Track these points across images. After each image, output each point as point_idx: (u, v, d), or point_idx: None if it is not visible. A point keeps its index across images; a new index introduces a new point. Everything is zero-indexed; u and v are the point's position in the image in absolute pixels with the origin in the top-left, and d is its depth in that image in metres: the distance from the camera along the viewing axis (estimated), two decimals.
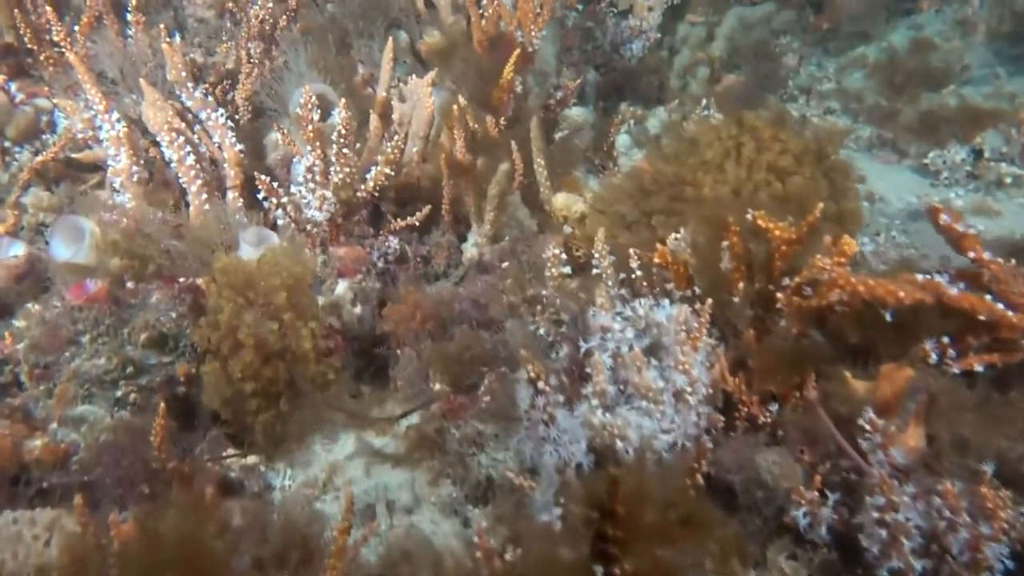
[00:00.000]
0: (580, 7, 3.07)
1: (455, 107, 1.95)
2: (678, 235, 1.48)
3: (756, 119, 1.63)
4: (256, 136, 2.37)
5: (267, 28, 2.47)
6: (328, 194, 1.83)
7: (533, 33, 2.57)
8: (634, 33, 3.09)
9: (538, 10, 2.58)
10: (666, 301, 1.33)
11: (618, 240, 1.79)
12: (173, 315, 1.48)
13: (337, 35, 2.59)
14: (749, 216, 1.25)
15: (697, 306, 1.31)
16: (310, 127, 1.83)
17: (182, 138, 1.94)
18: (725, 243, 1.27)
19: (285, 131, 1.94)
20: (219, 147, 2.07)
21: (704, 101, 2.47)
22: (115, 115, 1.89)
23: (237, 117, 2.41)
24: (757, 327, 1.24)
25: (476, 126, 2.07)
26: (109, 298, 1.44)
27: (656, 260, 1.37)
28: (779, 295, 1.20)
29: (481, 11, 2.80)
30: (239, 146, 2.06)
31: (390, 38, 2.17)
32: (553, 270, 1.53)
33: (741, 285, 1.28)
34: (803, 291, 1.20)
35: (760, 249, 1.27)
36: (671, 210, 1.75)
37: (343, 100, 1.84)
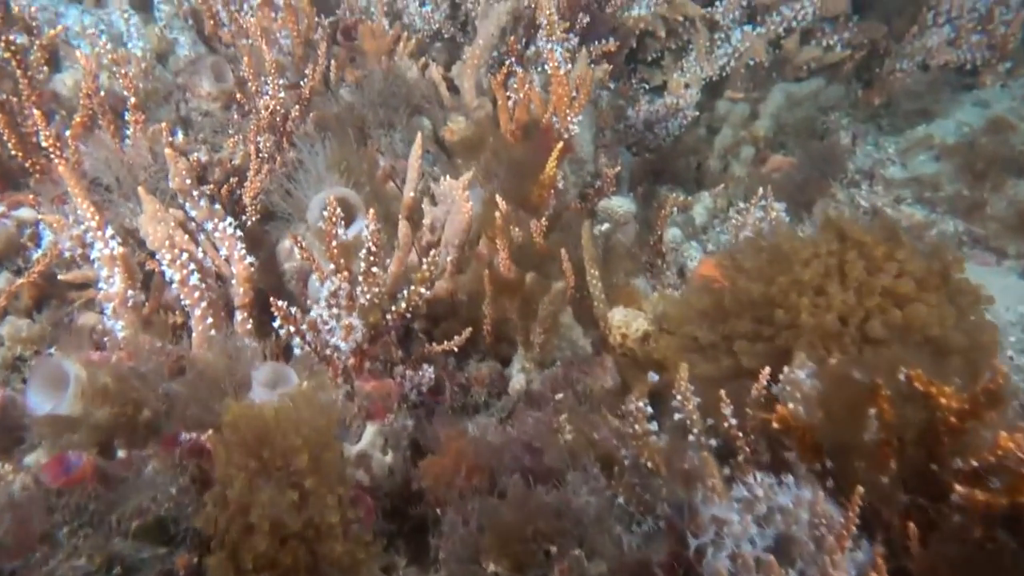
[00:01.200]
0: (612, 85, 2.91)
1: (497, 214, 1.73)
2: (792, 373, 1.24)
3: (862, 232, 1.41)
4: (265, 240, 2.16)
5: (278, 119, 2.29)
6: (355, 322, 1.60)
7: (569, 119, 2.39)
8: (670, 111, 2.92)
9: (574, 93, 2.41)
10: (789, 477, 1.08)
11: (694, 370, 1.55)
12: (172, 491, 1.23)
13: (354, 125, 2.41)
14: (902, 376, 1.01)
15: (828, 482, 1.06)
16: (335, 244, 1.61)
17: (185, 255, 1.72)
18: (871, 410, 1.03)
19: (302, 243, 1.72)
20: (227, 260, 1.85)
21: (760, 190, 2.27)
22: (109, 231, 1.68)
23: (244, 217, 2.21)
24: (918, 520, 0.99)
25: (519, 232, 1.86)
26: (95, 475, 1.19)
27: (774, 424, 1.12)
28: (956, 486, 0.95)
29: (510, 94, 2.64)
30: (249, 259, 1.84)
31: (418, 133, 1.97)
32: (636, 427, 1.28)
33: (892, 463, 1.03)
34: (983, 478, 0.96)
35: (915, 414, 1.03)
36: (757, 335, 1.52)
37: (371, 211, 1.62)
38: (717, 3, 2.89)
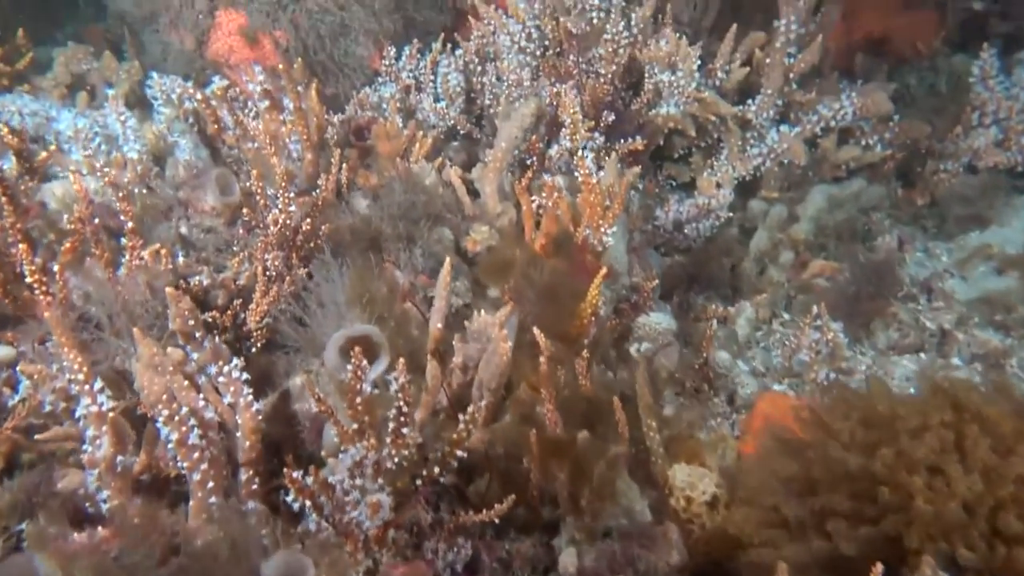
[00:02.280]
0: (640, 185, 2.78)
1: (542, 359, 1.55)
2: None
3: (982, 402, 1.23)
4: (272, 371, 1.97)
5: (288, 234, 2.12)
6: (384, 499, 1.39)
7: (603, 230, 2.25)
8: (701, 212, 2.78)
9: (607, 202, 2.27)
10: None
11: (780, 553, 1.34)
12: None
13: (370, 238, 2.26)
14: None
15: None
16: (359, 400, 1.42)
17: (185, 409, 1.52)
18: None
19: (319, 394, 1.53)
20: (231, 407, 1.65)
21: (815, 308, 2.10)
22: (98, 383, 1.48)
23: (249, 343, 2.02)
24: None
25: (561, 372, 1.67)
26: None
27: None
28: None
29: (534, 197, 2.49)
30: (257, 405, 1.64)
31: (447, 260, 1.81)
32: None
33: None
34: None
35: None
36: (857, 515, 1.32)
37: (400, 361, 1.44)
38: (750, 101, 2.79)
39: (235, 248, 2.10)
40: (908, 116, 2.77)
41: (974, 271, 2.30)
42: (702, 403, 2.07)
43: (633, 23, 2.76)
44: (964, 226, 2.50)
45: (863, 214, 2.72)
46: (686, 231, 2.83)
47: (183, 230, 2.09)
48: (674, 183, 3.09)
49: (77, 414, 1.48)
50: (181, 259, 1.97)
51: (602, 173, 2.44)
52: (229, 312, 2.03)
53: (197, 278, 1.97)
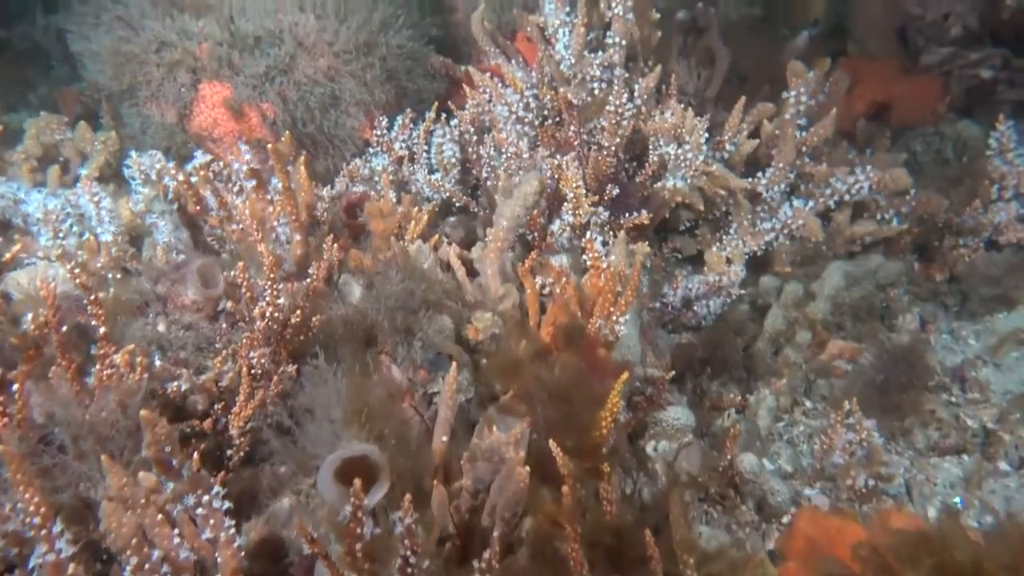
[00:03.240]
0: (647, 262, 2.66)
1: (565, 488, 1.39)
2: None
3: None
4: (253, 486, 1.79)
5: (275, 327, 1.96)
6: None
7: (616, 318, 2.11)
8: (712, 289, 2.66)
9: (619, 288, 2.14)
10: None
11: None
12: None
13: (365, 329, 2.10)
14: None
15: None
16: (358, 547, 1.25)
17: (157, 554, 1.34)
18: None
19: (310, 533, 1.35)
20: (210, 543, 1.47)
21: (847, 405, 1.97)
22: (57, 527, 1.30)
23: (231, 453, 1.85)
24: None
25: (583, 499, 1.51)
26: None
27: None
28: None
29: (540, 280, 2.36)
30: (239, 540, 1.46)
31: (452, 366, 1.65)
32: None
33: None
34: None
35: None
36: None
37: (406, 497, 1.27)
38: (760, 174, 2.70)
39: (217, 346, 1.94)
40: (919, 185, 2.69)
41: (1008, 358, 2.18)
42: (729, 511, 1.91)
43: (636, 94, 2.68)
44: (990, 307, 2.39)
45: (880, 291, 2.61)
46: (695, 308, 2.71)
47: (160, 328, 1.92)
48: (680, 256, 2.98)
49: (31, 564, 1.29)
50: (158, 362, 1.79)
51: (611, 256, 2.32)
52: (210, 419, 1.86)
53: (175, 384, 1.79)
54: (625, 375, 1.69)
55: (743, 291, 2.69)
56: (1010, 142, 2.55)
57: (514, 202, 2.53)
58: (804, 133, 2.63)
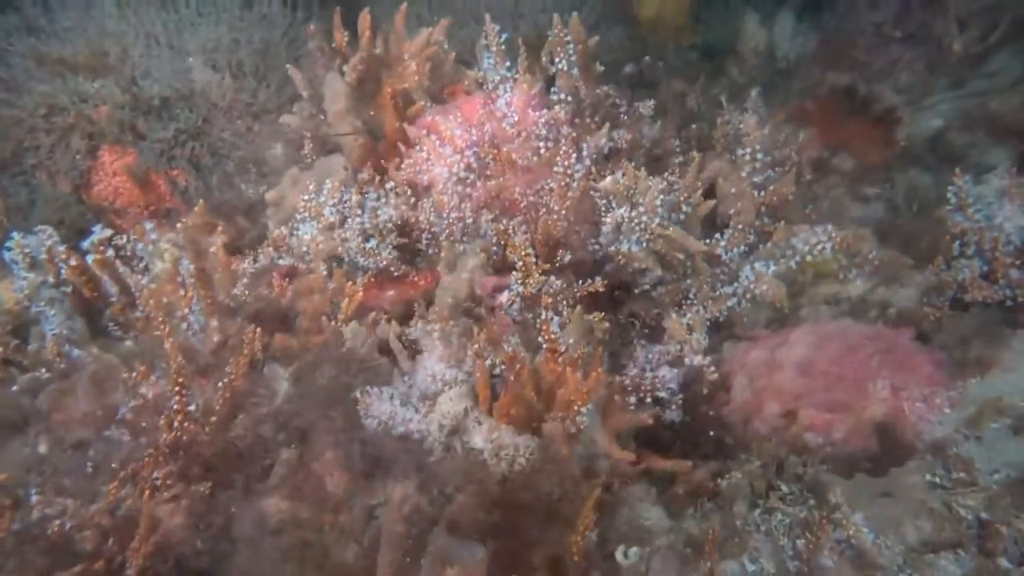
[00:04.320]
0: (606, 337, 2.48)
1: None
2: None
3: None
4: None
5: (185, 437, 1.69)
6: None
7: (578, 408, 1.92)
8: (674, 360, 2.49)
9: (580, 380, 1.94)
10: None
11: None
12: None
13: (295, 429, 1.84)
14: None
15: None
16: None
17: None
18: None
19: None
20: None
21: (832, 498, 1.81)
22: None
23: None
24: None
25: None
26: None
27: None
28: None
29: (492, 365, 2.14)
30: None
31: (397, 490, 1.42)
32: None
33: None
34: None
35: None
36: None
37: None
38: (718, 236, 2.57)
39: (114, 466, 1.64)
40: (884, 244, 2.62)
41: (987, 430, 2.08)
42: None
43: (585, 153, 2.52)
44: (963, 371, 2.29)
45: None
46: (655, 383, 2.53)
47: (42, 448, 1.62)
48: (636, 322, 2.82)
49: None
50: (35, 498, 1.50)
51: (568, 337, 2.13)
52: (102, 560, 1.56)
53: (57, 522, 1.50)
54: (597, 492, 1.49)
55: (706, 359, 2.53)
56: (968, 197, 2.49)
57: (458, 275, 2.33)
58: (762, 193, 2.53)
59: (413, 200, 2.66)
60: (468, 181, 2.57)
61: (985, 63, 4.77)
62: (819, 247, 2.46)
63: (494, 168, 2.61)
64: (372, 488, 1.82)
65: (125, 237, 2.32)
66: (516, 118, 2.45)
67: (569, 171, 2.44)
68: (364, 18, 2.64)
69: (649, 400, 2.00)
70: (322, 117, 2.63)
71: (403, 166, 2.70)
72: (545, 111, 2.48)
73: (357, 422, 1.94)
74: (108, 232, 2.25)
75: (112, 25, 2.39)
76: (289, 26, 2.68)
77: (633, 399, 1.99)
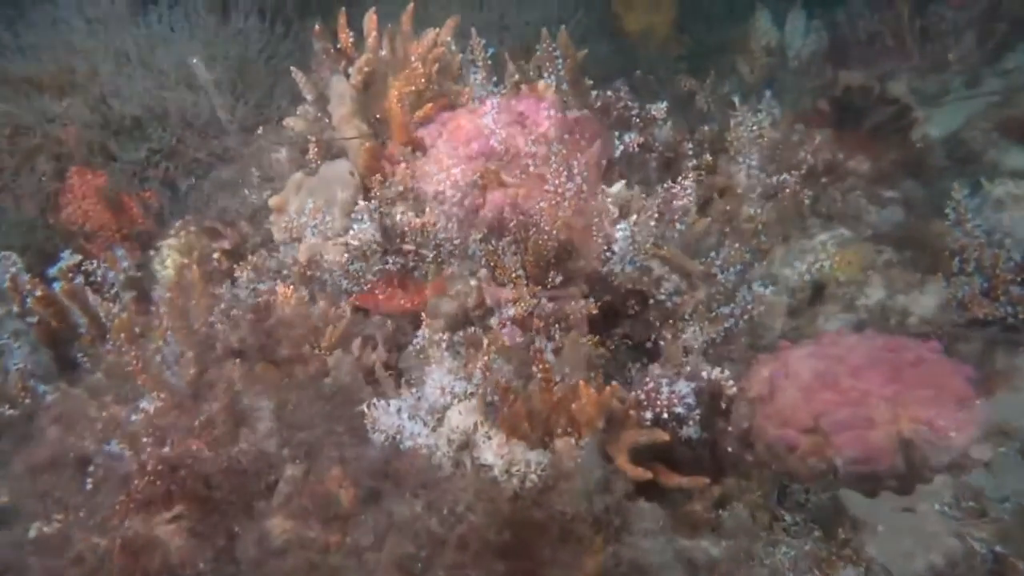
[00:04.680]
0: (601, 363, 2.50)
1: None
2: None
3: None
4: None
5: (159, 482, 1.71)
6: None
7: (575, 442, 1.95)
8: (690, 373, 2.50)
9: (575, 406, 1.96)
10: None
11: None
12: None
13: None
14: None
15: None
16: None
17: None
18: None
19: None
20: None
21: (841, 533, 1.83)
22: None
23: None
24: None
25: None
26: None
27: None
28: None
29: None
30: None
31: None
32: None
33: None
34: None
35: None
36: None
37: None
38: (713, 254, 2.60)
39: (81, 514, 1.66)
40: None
41: (995, 455, 2.10)
42: None
43: (576, 171, 2.55)
44: (987, 386, 2.32)
45: None
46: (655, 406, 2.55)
47: (3, 498, 1.64)
48: (630, 343, 2.84)
49: None
50: None
51: (563, 367, 2.14)
52: None
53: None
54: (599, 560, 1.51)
55: (724, 372, 2.54)
56: (967, 212, 2.52)
57: (449, 300, 2.36)
58: (760, 211, 2.56)
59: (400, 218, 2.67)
60: (455, 200, 2.58)
61: (1000, 61, 4.82)
62: (817, 266, 2.49)
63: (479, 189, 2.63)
64: (380, 507, 1.84)
65: (95, 263, 2.33)
66: (504, 135, 2.47)
67: (560, 189, 2.46)
68: (370, 18, 2.64)
69: (666, 415, 2.01)
70: (327, 120, 2.66)
71: (388, 184, 2.72)
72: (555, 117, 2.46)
73: (364, 436, 1.97)
74: (77, 258, 2.26)
75: (80, 42, 2.41)
76: (267, 42, 2.70)
77: (649, 414, 1.99)
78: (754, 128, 2.97)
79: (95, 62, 2.33)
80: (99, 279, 2.33)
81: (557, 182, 2.43)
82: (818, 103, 4.71)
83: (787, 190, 2.61)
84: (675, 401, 1.86)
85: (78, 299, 2.03)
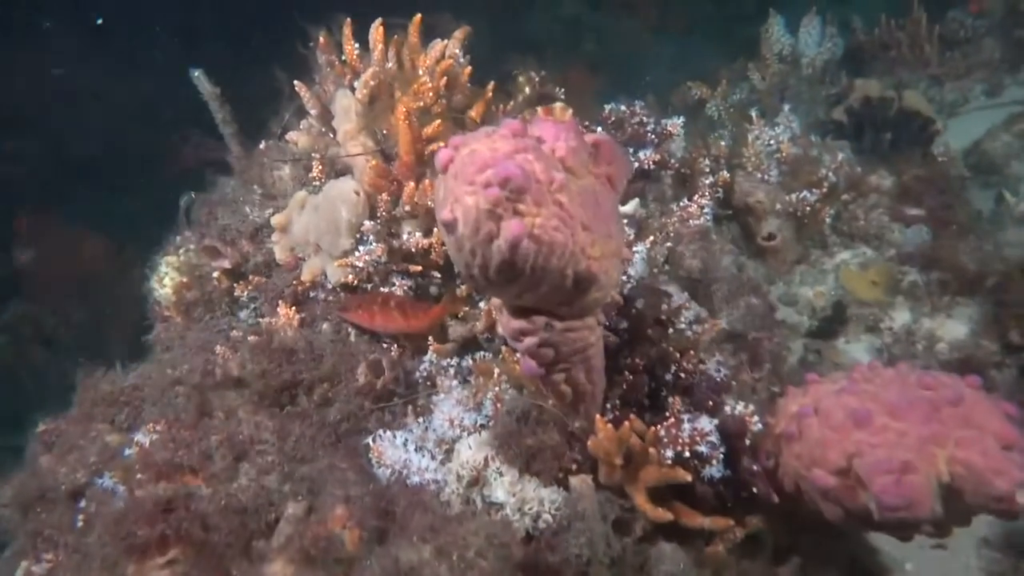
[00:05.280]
0: None
1: None
2: None
3: None
4: None
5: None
6: None
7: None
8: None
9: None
10: None
11: None
12: None
13: None
14: None
15: None
16: None
17: None
18: None
19: None
20: None
21: None
22: None
23: None
24: None
25: None
26: None
27: None
28: None
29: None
30: None
31: None
32: None
33: None
34: None
35: None
36: None
37: None
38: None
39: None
40: None
41: None
42: None
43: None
44: None
45: None
46: None
47: None
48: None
49: None
50: None
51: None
52: None
53: None
54: None
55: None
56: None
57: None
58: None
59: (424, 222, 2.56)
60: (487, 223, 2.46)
61: (1022, 69, 4.72)
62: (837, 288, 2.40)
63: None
64: (386, 550, 1.76)
65: None
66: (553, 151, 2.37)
67: (581, 218, 2.37)
68: (377, 30, 2.56)
69: (688, 454, 1.90)
70: (331, 135, 2.58)
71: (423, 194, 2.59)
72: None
73: (368, 472, 1.90)
74: None
75: None
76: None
77: (670, 452, 1.87)
78: (771, 142, 2.89)
79: None
80: None
81: (578, 211, 2.35)
82: (833, 113, 4.63)
83: (808, 208, 2.52)
84: (697, 439, 1.77)
85: None
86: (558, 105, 2.21)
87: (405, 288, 2.37)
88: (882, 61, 5.17)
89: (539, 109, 1.84)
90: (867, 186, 2.91)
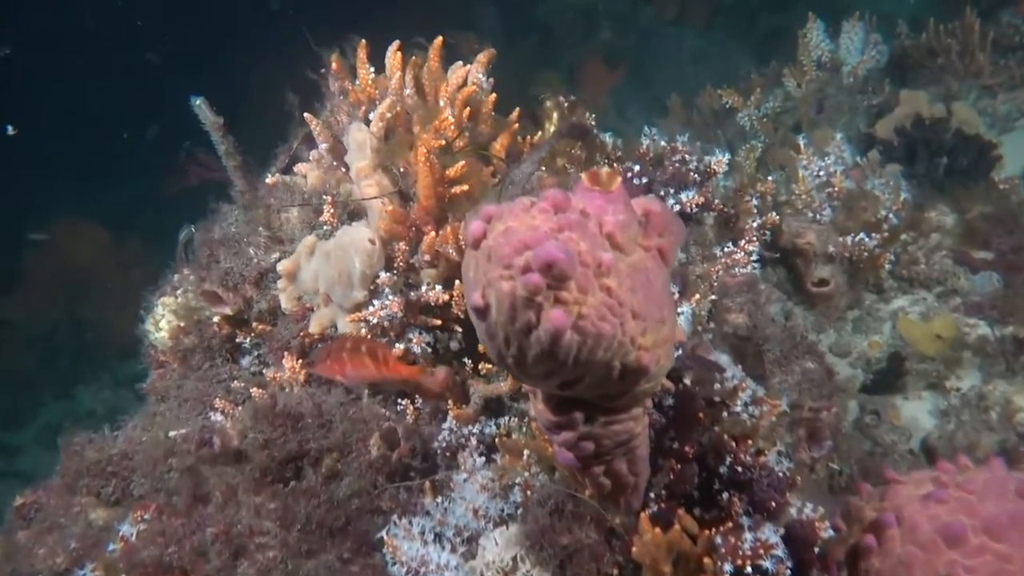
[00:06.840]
0: None
1: None
2: None
3: None
4: None
5: None
6: None
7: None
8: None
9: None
10: None
11: None
12: None
13: None
14: None
15: None
16: None
17: None
18: None
19: None
20: None
21: None
22: None
23: None
24: None
25: None
26: None
27: None
28: None
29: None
30: None
31: None
32: None
33: None
34: None
35: None
36: None
37: None
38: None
39: None
40: None
41: None
42: None
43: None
44: None
45: None
46: None
47: None
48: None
49: None
50: None
51: None
52: None
53: None
54: None
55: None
56: None
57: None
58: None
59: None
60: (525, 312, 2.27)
61: None
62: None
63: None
64: None
65: None
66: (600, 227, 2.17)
67: (632, 306, 2.18)
68: (394, 55, 2.38)
69: (750, 569, 1.66)
70: (343, 170, 2.40)
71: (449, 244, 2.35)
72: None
73: (382, 571, 1.74)
74: None
75: None
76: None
77: (728, 567, 1.64)
78: (821, 174, 2.70)
79: None
80: None
81: (627, 296, 2.14)
82: (877, 128, 4.40)
83: (865, 253, 2.32)
84: (762, 552, 1.58)
85: None
86: (605, 170, 2.00)
87: (423, 344, 2.19)
88: (929, 69, 4.93)
89: (583, 176, 1.66)
90: (927, 224, 2.70)
